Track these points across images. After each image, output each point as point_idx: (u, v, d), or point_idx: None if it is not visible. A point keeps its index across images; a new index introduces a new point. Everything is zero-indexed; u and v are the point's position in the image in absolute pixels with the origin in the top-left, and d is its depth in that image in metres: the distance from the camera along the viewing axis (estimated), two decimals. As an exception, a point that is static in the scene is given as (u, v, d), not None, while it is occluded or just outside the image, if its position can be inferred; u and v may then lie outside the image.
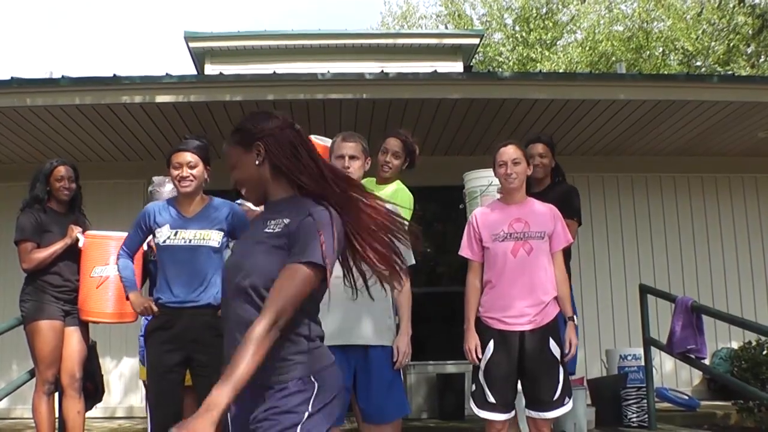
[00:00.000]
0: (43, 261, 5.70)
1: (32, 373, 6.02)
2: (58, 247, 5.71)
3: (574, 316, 4.99)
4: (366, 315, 4.37)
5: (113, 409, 9.45)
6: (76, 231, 5.75)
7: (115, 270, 5.21)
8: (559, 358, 4.77)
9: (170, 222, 4.76)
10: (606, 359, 8.72)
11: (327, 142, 5.10)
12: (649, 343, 7.58)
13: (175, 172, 4.78)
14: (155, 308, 4.73)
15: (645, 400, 7.56)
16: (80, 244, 5.70)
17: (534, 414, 4.76)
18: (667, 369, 9.59)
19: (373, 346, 4.37)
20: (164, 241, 4.72)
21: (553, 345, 4.76)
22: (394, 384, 4.41)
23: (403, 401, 4.50)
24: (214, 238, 4.73)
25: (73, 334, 5.80)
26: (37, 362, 5.71)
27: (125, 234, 5.28)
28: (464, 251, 5.02)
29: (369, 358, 4.36)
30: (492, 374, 4.75)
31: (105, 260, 5.53)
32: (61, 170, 5.86)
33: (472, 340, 4.80)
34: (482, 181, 5.85)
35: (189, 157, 4.77)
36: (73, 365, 5.75)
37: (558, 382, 4.74)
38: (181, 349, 4.66)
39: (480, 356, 4.77)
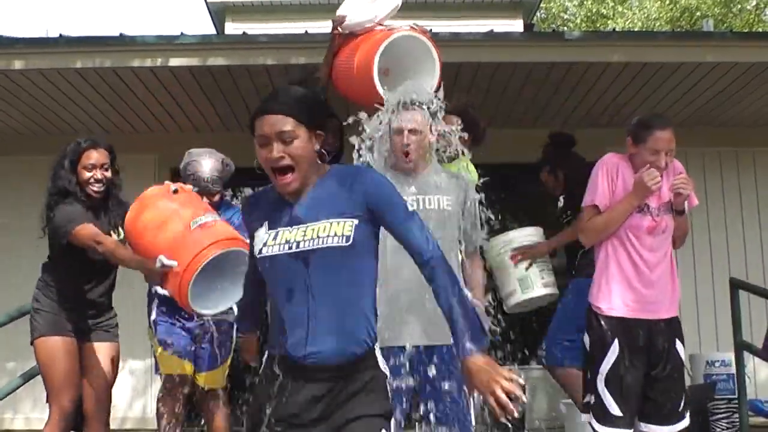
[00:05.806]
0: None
1: (25, 378, 5.83)
2: None
3: None
4: (431, 311, 4.34)
5: (120, 420, 9.27)
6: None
7: (215, 216, 4.66)
8: (684, 362, 4.71)
9: (268, 218, 3.14)
10: (690, 366, 8.63)
11: None
12: (742, 347, 7.47)
13: (262, 154, 3.03)
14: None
15: (736, 414, 7.49)
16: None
17: (654, 428, 4.62)
18: (761, 377, 9.46)
19: (438, 345, 4.39)
20: (260, 252, 3.08)
21: (679, 345, 4.68)
22: (463, 389, 4.38)
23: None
24: (339, 232, 2.98)
25: (98, 352, 5.37)
26: (49, 387, 5.17)
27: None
28: (601, 198, 4.72)
29: (434, 360, 4.37)
30: (618, 380, 4.54)
31: (202, 209, 4.71)
32: (92, 155, 5.15)
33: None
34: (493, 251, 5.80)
35: (284, 123, 2.97)
36: (99, 391, 5.33)
37: (684, 390, 4.68)
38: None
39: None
